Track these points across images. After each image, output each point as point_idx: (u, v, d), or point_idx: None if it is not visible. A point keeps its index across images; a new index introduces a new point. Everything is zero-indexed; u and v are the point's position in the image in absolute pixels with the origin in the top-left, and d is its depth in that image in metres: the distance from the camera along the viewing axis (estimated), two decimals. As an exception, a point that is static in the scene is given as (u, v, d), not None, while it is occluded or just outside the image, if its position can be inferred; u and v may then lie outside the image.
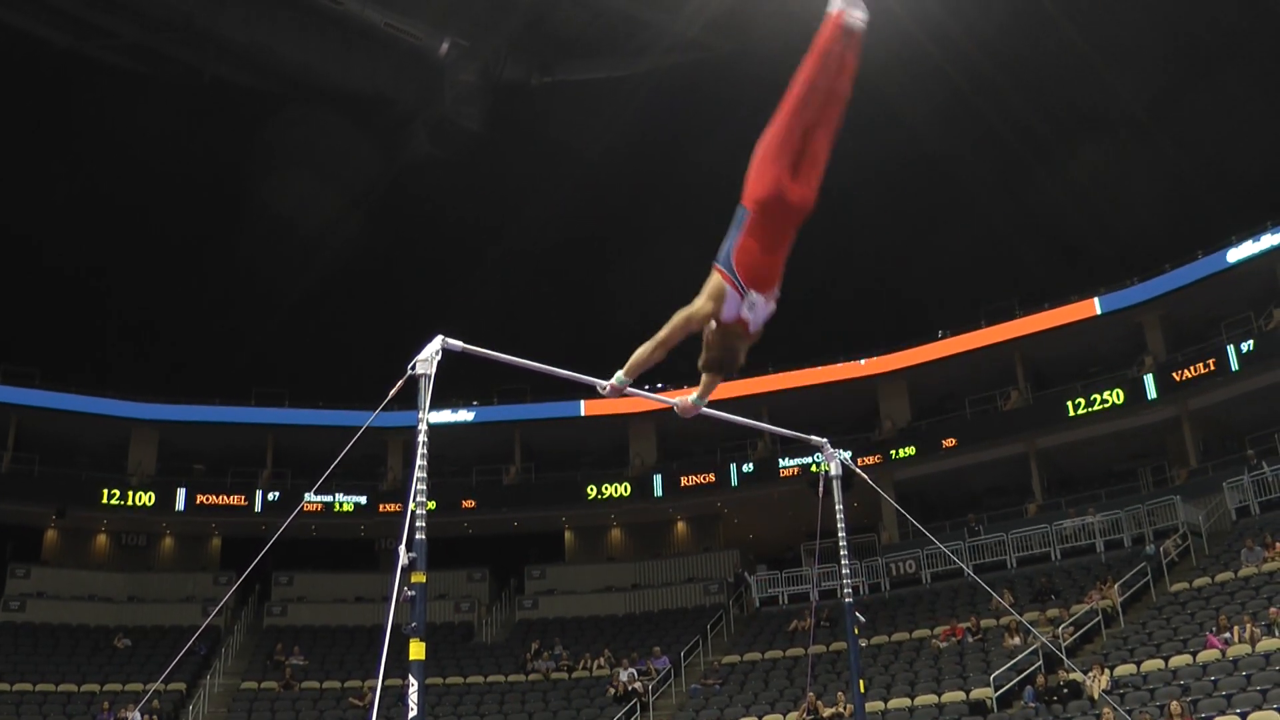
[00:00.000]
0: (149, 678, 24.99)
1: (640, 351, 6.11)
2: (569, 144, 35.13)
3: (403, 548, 4.89)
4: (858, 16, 5.77)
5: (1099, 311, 31.18)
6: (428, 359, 5.34)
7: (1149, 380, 29.55)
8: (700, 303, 5.92)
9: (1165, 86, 33.14)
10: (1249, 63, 32.61)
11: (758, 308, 5.97)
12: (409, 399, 5.51)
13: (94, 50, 32.28)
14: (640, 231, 37.06)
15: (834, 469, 8.50)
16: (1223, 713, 16.80)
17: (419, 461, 5.10)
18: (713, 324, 5.98)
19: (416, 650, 4.80)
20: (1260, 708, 16.44)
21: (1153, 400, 29.47)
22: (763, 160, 5.87)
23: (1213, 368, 28.40)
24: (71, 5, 30.98)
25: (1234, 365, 27.99)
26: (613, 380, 6.33)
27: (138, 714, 24.90)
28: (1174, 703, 16.89)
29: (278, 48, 32.05)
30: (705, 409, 7.14)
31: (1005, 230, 35.99)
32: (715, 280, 5.96)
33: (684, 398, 6.67)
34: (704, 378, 6.38)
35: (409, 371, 5.37)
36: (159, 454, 34.71)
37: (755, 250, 5.88)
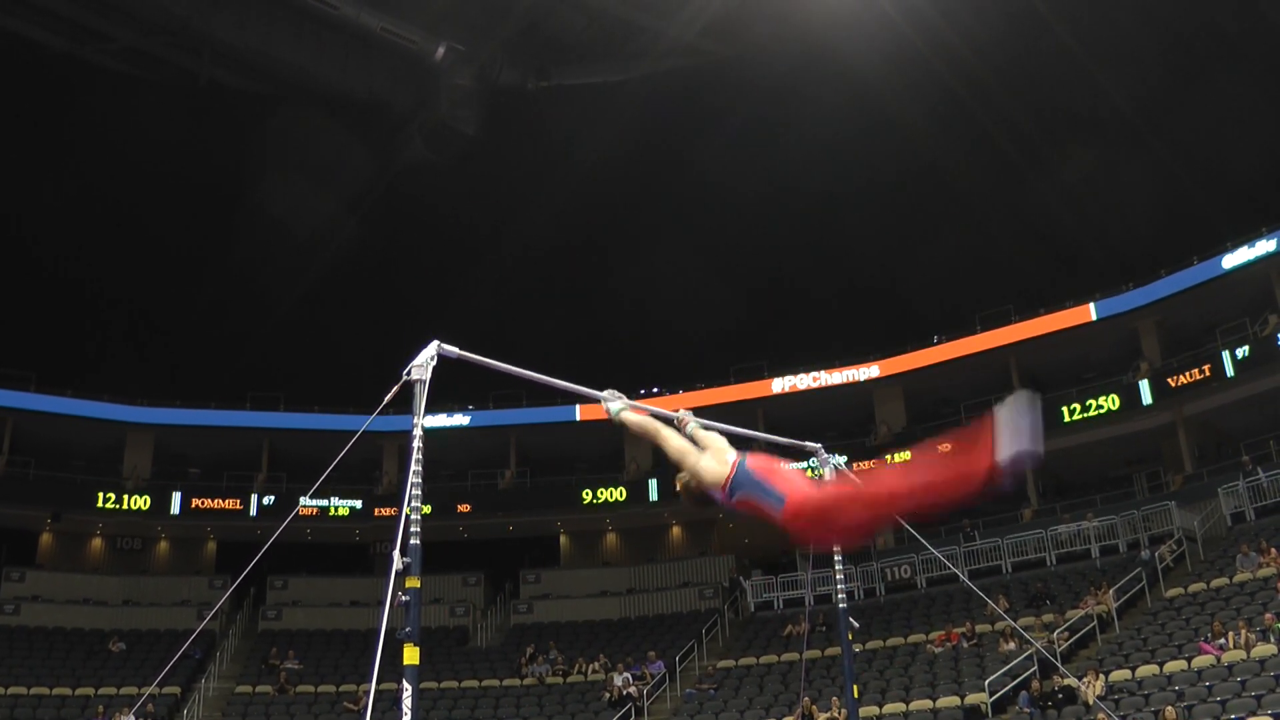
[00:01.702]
0: (143, 681, 24.93)
1: (641, 422, 6.07)
2: (565, 148, 35.16)
3: (397, 552, 4.89)
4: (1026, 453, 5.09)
5: (1094, 317, 31.23)
6: (423, 365, 5.34)
7: (1144, 386, 29.58)
8: (698, 471, 5.75)
9: (1160, 92, 33.23)
10: (1244, 69, 32.70)
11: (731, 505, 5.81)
12: (404, 403, 5.51)
13: (90, 54, 32.28)
14: (636, 235, 37.11)
15: (828, 474, 8.49)
16: (1217, 718, 16.81)
17: (413, 466, 5.10)
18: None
19: (410, 655, 4.80)
20: (1255, 713, 16.45)
21: (1148, 406, 29.51)
22: (831, 505, 5.47)
23: (1208, 374, 28.44)
24: (67, 9, 31.00)
25: (1229, 371, 28.03)
26: (613, 405, 6.26)
27: (132, 718, 24.86)
28: (1169, 708, 16.89)
29: (273, 51, 32.04)
30: (700, 416, 7.11)
31: (1001, 236, 36.09)
32: (719, 473, 5.72)
33: (682, 411, 6.61)
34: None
35: (404, 377, 5.37)
36: (154, 457, 34.68)
37: (757, 512, 5.61)
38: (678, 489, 5.88)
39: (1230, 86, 32.92)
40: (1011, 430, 4.86)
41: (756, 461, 5.65)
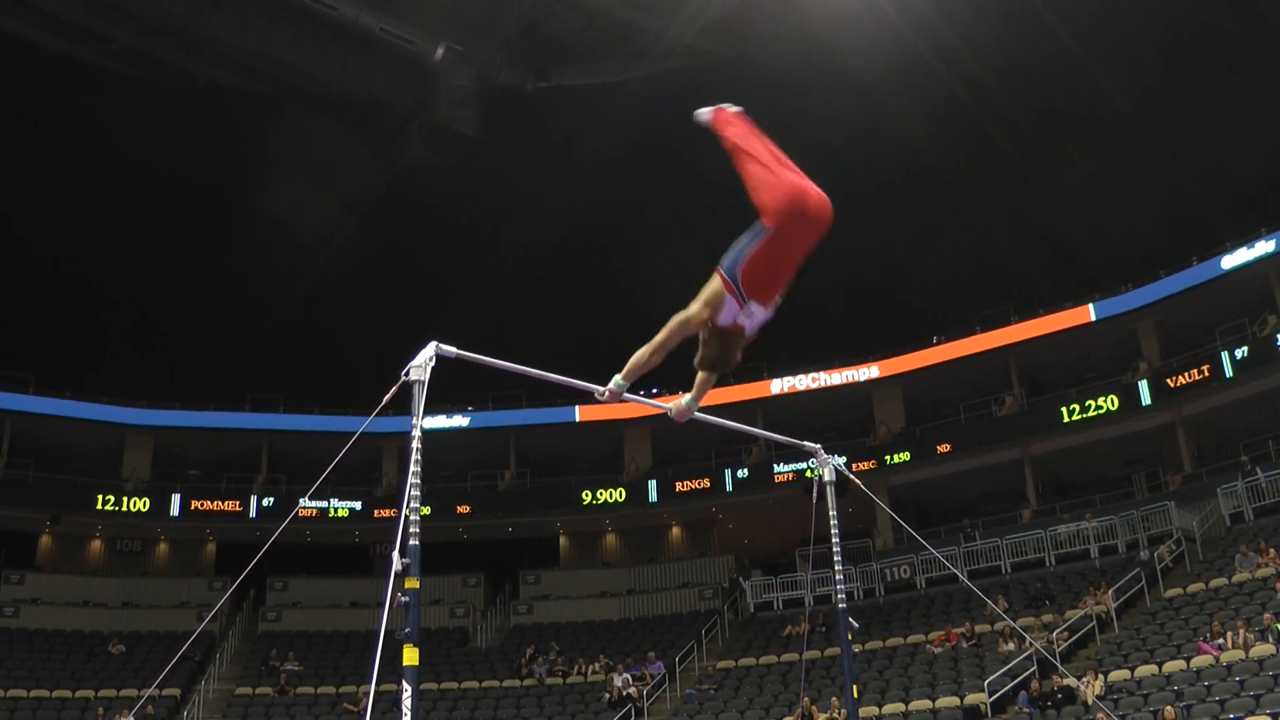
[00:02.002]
0: (143, 683, 24.92)
1: (638, 355, 6.07)
2: (565, 149, 35.13)
3: (396, 553, 4.89)
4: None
5: (1094, 318, 31.24)
6: (421, 365, 5.33)
7: (1143, 386, 29.59)
8: (696, 308, 5.84)
9: (1160, 93, 33.22)
10: (1243, 70, 32.70)
11: (755, 315, 5.91)
12: (404, 404, 5.51)
13: (89, 54, 32.25)
14: (636, 236, 37.10)
15: (828, 475, 8.50)
16: (1216, 718, 16.83)
17: (413, 467, 5.10)
18: (709, 325, 5.91)
19: (410, 656, 4.80)
20: (1254, 713, 16.46)
21: (1147, 406, 29.52)
22: (765, 174, 5.77)
23: (1207, 374, 28.45)
24: (66, 9, 30.96)
25: (1228, 372, 28.04)
26: (610, 385, 6.30)
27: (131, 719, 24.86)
28: (1168, 708, 16.90)
29: (272, 52, 32.01)
30: (700, 414, 7.11)
31: (1001, 236, 36.08)
32: (715, 285, 5.87)
33: (678, 401, 6.64)
34: (699, 376, 6.32)
35: (403, 378, 5.36)
36: (153, 459, 34.67)
37: (765, 264, 5.78)
38: (697, 359, 6.03)
39: (1230, 87, 32.94)
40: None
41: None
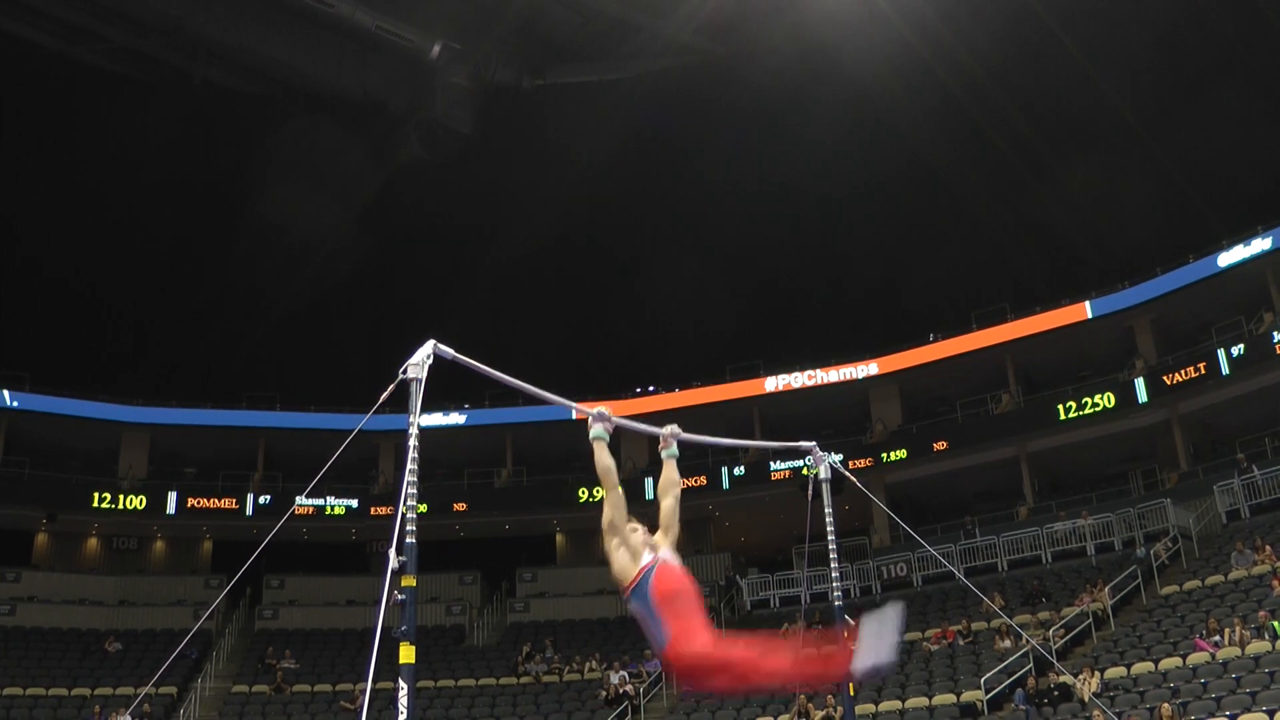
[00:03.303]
0: (140, 681, 24.92)
1: (604, 462, 6.35)
2: (562, 148, 35.15)
3: (393, 551, 4.89)
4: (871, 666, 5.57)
5: (1090, 315, 31.27)
6: (419, 364, 5.33)
7: (1140, 384, 29.62)
8: (611, 548, 6.22)
9: (1157, 93, 33.33)
10: (1241, 71, 32.75)
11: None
12: (401, 402, 5.51)
13: (84, 55, 32.22)
14: (633, 234, 37.15)
15: (824, 473, 8.51)
16: (1213, 715, 16.84)
17: (409, 465, 5.10)
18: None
19: (406, 654, 4.80)
20: (1250, 710, 16.49)
21: (1143, 404, 29.56)
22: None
23: (1203, 371, 28.48)
24: (61, 9, 30.91)
25: (1224, 369, 28.08)
26: (596, 428, 6.31)
27: (129, 718, 24.85)
28: (1164, 705, 16.93)
29: (268, 51, 31.99)
30: (692, 436, 7.19)
31: (997, 235, 36.14)
32: (630, 565, 6.14)
33: (670, 427, 6.61)
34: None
35: (400, 376, 5.37)
36: (150, 457, 34.66)
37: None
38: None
39: (1227, 87, 32.98)
40: (874, 643, 5.23)
41: (664, 583, 5.92)
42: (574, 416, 34.27)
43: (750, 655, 5.63)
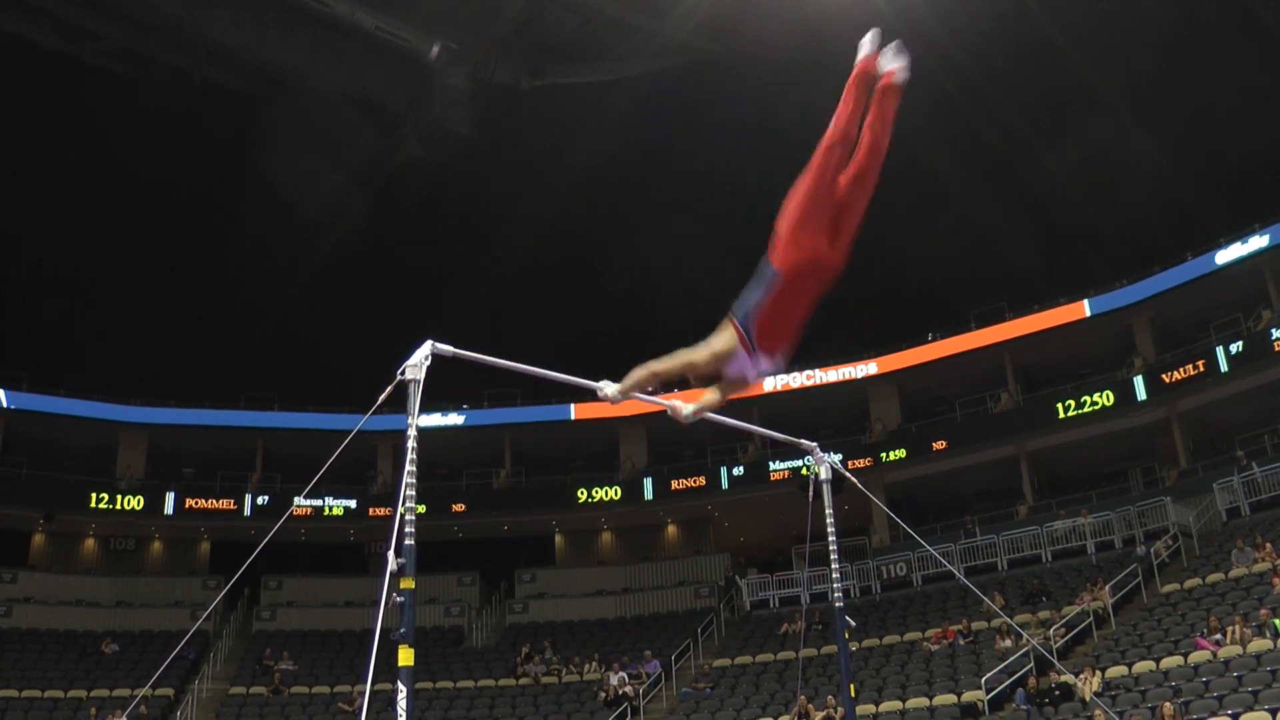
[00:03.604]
0: (137, 683, 24.83)
1: (639, 374, 5.94)
2: (560, 148, 35.11)
3: (391, 553, 4.84)
4: (900, 68, 5.46)
5: (1088, 314, 31.28)
6: (417, 364, 5.29)
7: (1139, 382, 29.62)
8: (706, 356, 5.72)
9: (1153, 89, 33.25)
10: (1235, 65, 32.65)
11: (761, 366, 5.78)
12: (399, 402, 5.47)
13: (84, 53, 32.19)
14: (630, 234, 37.06)
15: (824, 473, 8.46)
16: (1215, 714, 16.80)
17: (408, 466, 5.05)
18: (708, 377, 5.82)
19: (405, 656, 4.75)
20: (1252, 709, 16.44)
21: (1142, 402, 29.56)
22: (798, 220, 5.52)
23: (1202, 369, 28.48)
24: (61, 7, 30.89)
25: (1223, 366, 28.08)
26: (609, 391, 6.19)
27: None
28: (1166, 705, 16.88)
29: (267, 51, 31.97)
30: (696, 406, 7.10)
31: (995, 234, 36.07)
32: (728, 337, 5.69)
33: (678, 401, 6.55)
34: (706, 394, 6.18)
35: (398, 377, 5.32)
36: (148, 457, 34.62)
37: (777, 314, 5.62)
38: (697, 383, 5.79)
39: (1222, 82, 32.90)
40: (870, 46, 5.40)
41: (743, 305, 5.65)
42: (572, 415, 34.58)
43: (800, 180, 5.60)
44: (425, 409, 5.20)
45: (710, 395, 6.01)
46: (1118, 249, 33.98)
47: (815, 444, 8.33)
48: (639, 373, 5.86)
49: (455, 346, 5.74)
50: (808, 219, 5.45)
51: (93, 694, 27.06)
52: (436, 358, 5.39)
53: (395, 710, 4.72)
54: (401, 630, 4.77)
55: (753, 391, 33.22)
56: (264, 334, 37.07)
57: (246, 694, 28.26)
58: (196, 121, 34.78)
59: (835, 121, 5.51)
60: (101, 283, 37.49)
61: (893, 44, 5.23)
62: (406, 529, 4.92)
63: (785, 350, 5.72)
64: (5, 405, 32.61)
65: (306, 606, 33.13)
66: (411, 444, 5.09)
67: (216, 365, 37.21)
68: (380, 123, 34.38)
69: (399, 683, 4.69)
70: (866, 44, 5.29)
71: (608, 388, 6.17)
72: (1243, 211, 29.65)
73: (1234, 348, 28.06)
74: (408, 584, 4.82)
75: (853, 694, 8.03)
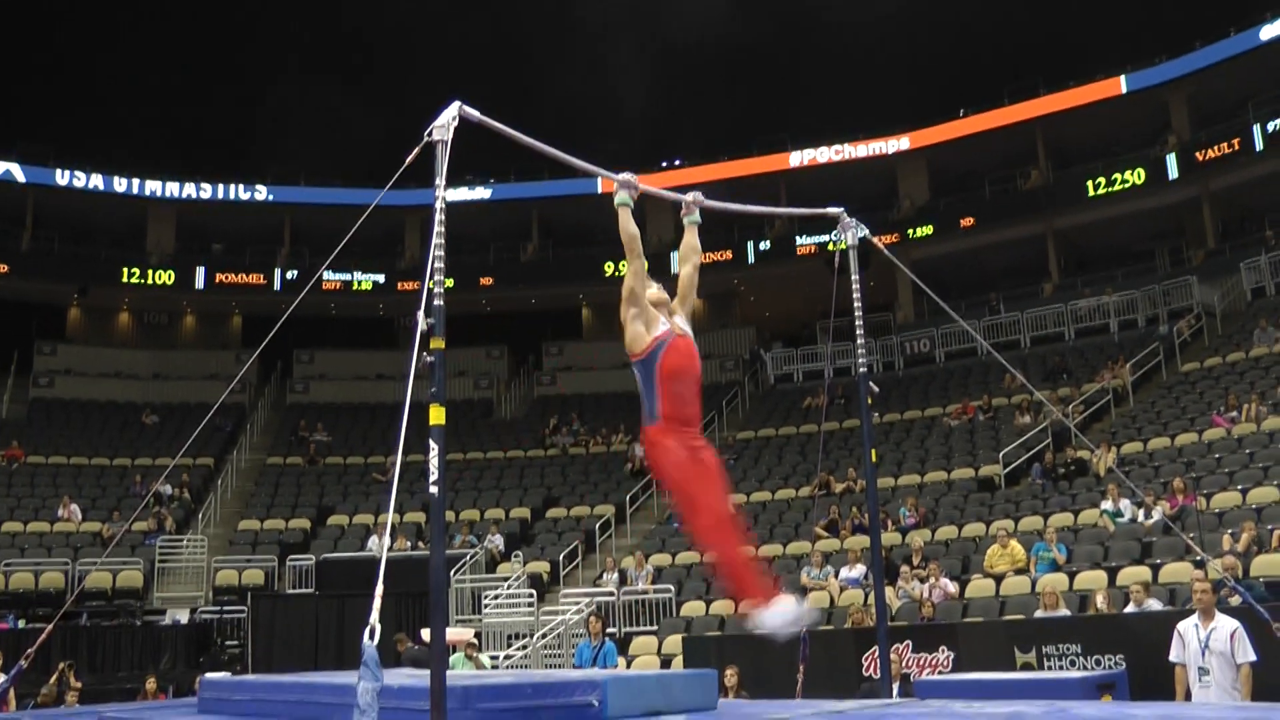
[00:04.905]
0: (178, 453, 25.65)
1: (629, 230, 6.34)
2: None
3: (421, 313, 4.91)
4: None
5: (1124, 90, 30.64)
6: (444, 126, 5.25)
7: (1171, 160, 29.22)
8: (626, 316, 6.22)
9: None
10: None
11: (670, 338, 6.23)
12: (425, 176, 5.46)
13: None
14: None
15: (850, 239, 8.35)
16: (1224, 489, 17.10)
17: (435, 236, 5.09)
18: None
19: (436, 415, 4.85)
20: (1261, 484, 16.71)
21: (1174, 180, 29.23)
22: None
23: (1236, 147, 28.06)
24: None
25: (1259, 145, 27.64)
26: (621, 194, 6.24)
27: (167, 486, 25.61)
28: (1176, 479, 17.19)
29: None
30: (717, 203, 7.15)
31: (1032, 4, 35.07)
32: (645, 333, 6.20)
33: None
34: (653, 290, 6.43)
35: (425, 139, 5.30)
36: (177, 233, 34.74)
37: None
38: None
39: None
40: (780, 618, 5.48)
41: (672, 359, 6.10)
42: (599, 189, 34.39)
43: (708, 502, 5.90)
44: (452, 183, 5.22)
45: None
46: (1159, 21, 33.00)
47: (842, 209, 8.24)
48: (628, 234, 6.28)
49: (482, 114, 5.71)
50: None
51: (137, 462, 27.89)
52: (464, 126, 5.38)
53: (428, 473, 4.87)
54: (433, 390, 4.88)
55: (779, 166, 33.08)
56: (288, 109, 36.74)
57: (283, 464, 29.08)
58: None
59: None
60: (128, 56, 36.97)
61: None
62: (435, 301, 4.97)
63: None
64: (23, 181, 32.51)
65: (338, 379, 33.74)
66: (439, 209, 5.11)
67: (242, 141, 37.01)
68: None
69: (431, 443, 4.82)
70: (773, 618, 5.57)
71: (620, 191, 6.21)
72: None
73: (1271, 126, 27.54)
74: (437, 344, 4.91)
75: (874, 459, 8.21)
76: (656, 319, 5.91)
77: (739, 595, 6.09)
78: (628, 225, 6.05)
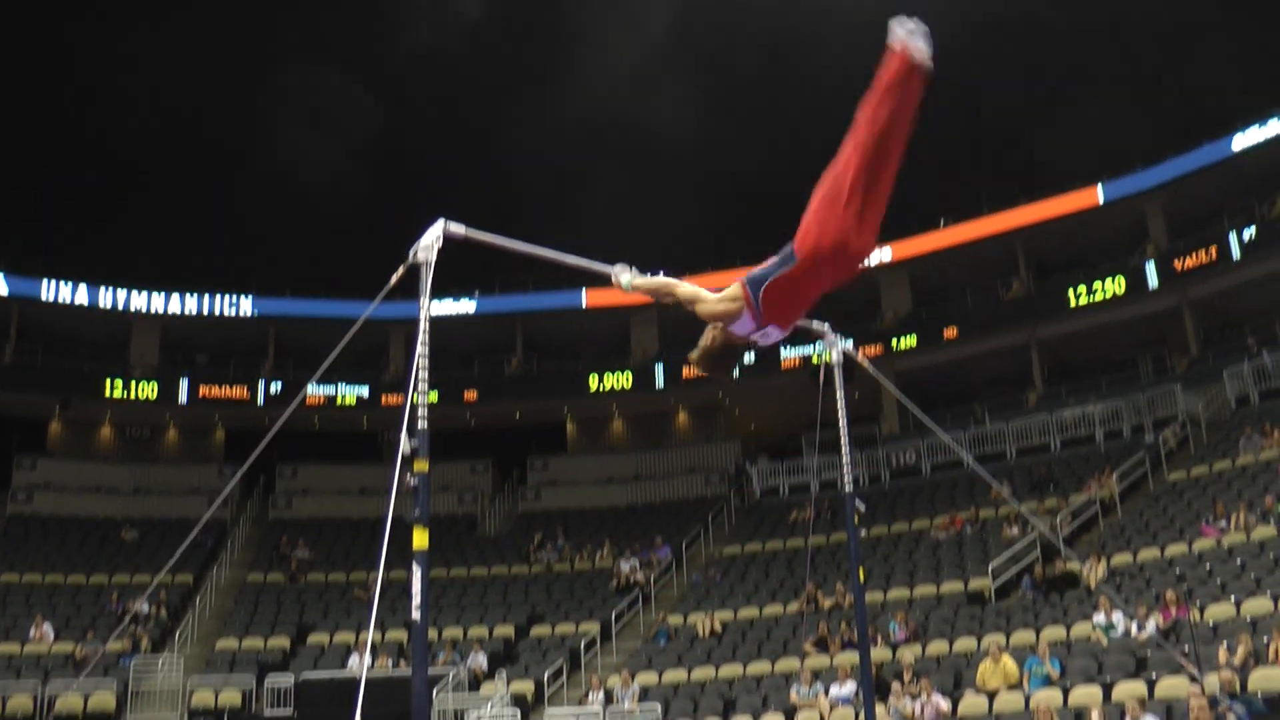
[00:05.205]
0: (156, 569, 25.18)
1: (652, 282, 5.91)
2: (575, 32, 34.65)
3: (404, 434, 4.84)
4: (924, 52, 5.24)
5: (1101, 200, 31.01)
6: (429, 246, 5.24)
7: (1150, 268, 29.47)
8: (712, 303, 5.54)
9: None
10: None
11: (769, 335, 5.61)
12: (410, 289, 5.43)
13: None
14: (650, 113, 36.70)
15: (835, 356, 8.37)
16: (1217, 600, 16.94)
17: (420, 349, 5.03)
18: (718, 327, 5.60)
19: (420, 539, 4.77)
20: (1255, 595, 16.56)
21: (1154, 289, 29.45)
22: (829, 205, 5.41)
23: (1214, 256, 28.33)
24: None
25: (1235, 253, 27.92)
26: (624, 278, 6.13)
27: (146, 605, 25.18)
28: (1169, 591, 17.02)
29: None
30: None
31: (1010, 116, 35.68)
32: (734, 291, 5.54)
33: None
34: (707, 331, 6.05)
35: (410, 259, 5.28)
36: (161, 345, 34.66)
37: (789, 294, 5.48)
38: (696, 353, 5.67)
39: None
40: (904, 33, 5.09)
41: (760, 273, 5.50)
42: (584, 303, 34.51)
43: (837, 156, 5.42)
44: (437, 296, 5.18)
45: (709, 334, 5.85)
46: (1132, 133, 33.58)
47: (826, 325, 8.23)
48: (660, 280, 5.80)
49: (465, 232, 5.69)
50: (839, 205, 5.35)
51: (114, 579, 27.46)
52: (448, 243, 5.35)
53: (410, 595, 4.76)
54: (416, 512, 4.79)
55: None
56: (276, 222, 37.00)
57: (264, 580, 28.65)
58: (218, 13, 34.34)
59: (876, 113, 5.33)
60: (115, 168, 37.30)
61: (919, 28, 5.06)
62: (419, 415, 4.91)
63: (790, 325, 5.60)
64: (7, 293, 32.39)
65: (321, 494, 33.43)
66: (423, 328, 5.07)
67: (228, 253, 37.19)
68: (391, 5, 33.96)
69: (414, 565, 4.72)
70: (899, 30, 5.09)
71: (623, 274, 6.10)
72: (1261, 95, 29.23)
73: (1247, 234, 27.86)
74: (421, 466, 4.83)
75: (862, 578, 8.08)
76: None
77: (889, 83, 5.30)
78: (651, 285, 5.86)
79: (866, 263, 5.53)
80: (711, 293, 5.53)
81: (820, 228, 5.34)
